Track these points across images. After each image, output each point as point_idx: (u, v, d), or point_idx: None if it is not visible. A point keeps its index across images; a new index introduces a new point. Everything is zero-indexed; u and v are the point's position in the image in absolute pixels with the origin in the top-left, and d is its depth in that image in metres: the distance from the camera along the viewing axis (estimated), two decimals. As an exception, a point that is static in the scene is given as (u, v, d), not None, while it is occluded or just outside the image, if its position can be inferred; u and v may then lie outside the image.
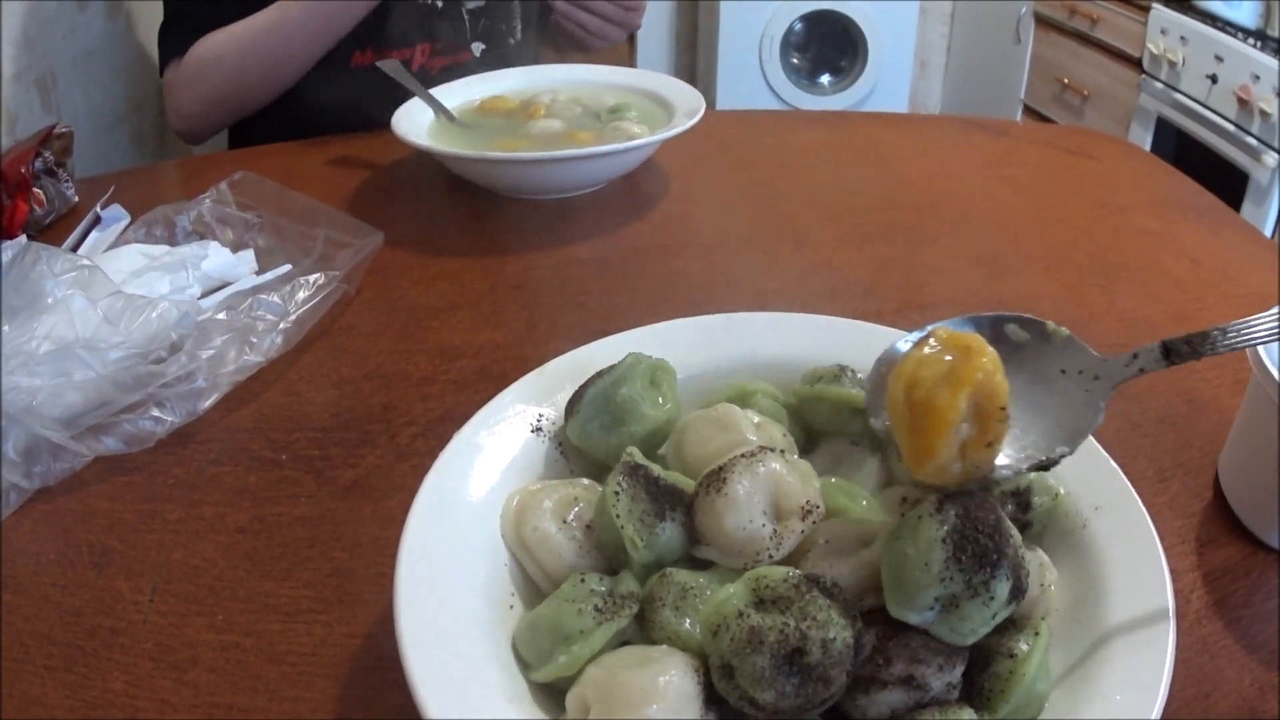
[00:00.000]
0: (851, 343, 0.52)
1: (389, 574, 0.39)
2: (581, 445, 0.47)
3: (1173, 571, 0.40)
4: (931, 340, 0.38)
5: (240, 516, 0.53)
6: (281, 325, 0.65)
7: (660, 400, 0.48)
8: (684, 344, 0.53)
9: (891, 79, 3.09)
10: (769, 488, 0.41)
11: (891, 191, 0.94)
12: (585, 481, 0.46)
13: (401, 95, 0.95)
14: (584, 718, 0.36)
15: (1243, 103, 2.03)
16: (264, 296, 0.65)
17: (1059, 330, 0.42)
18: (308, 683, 0.44)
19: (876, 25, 2.97)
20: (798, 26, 3.00)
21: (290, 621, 0.47)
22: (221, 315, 0.63)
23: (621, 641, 0.39)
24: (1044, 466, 0.39)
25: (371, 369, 0.66)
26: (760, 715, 0.35)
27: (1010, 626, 0.39)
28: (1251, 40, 2.04)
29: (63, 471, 0.55)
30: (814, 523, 0.41)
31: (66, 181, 0.89)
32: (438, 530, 0.41)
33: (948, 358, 0.37)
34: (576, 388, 0.48)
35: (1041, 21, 2.80)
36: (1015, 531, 0.38)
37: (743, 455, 0.42)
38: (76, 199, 0.90)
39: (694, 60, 3.22)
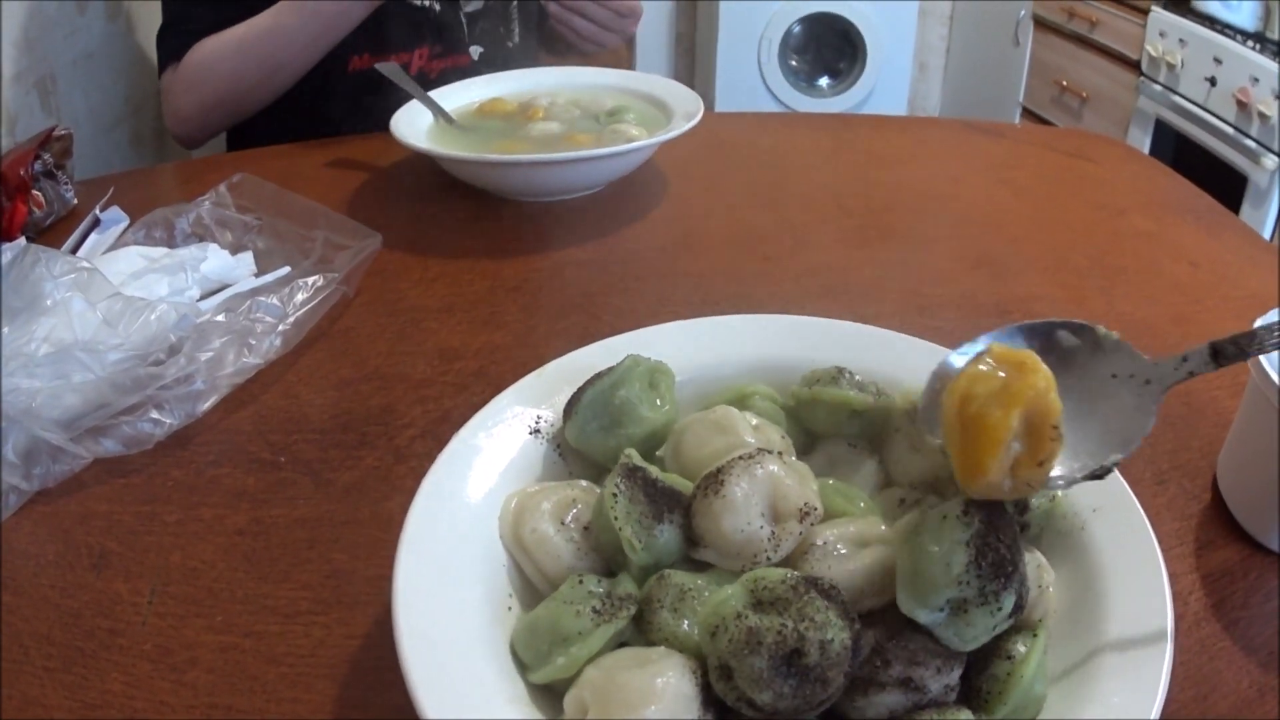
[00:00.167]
0: (850, 345, 0.53)
1: (388, 575, 0.39)
2: (580, 447, 0.48)
3: (1171, 574, 0.40)
4: (986, 356, 0.38)
5: (239, 518, 0.53)
6: (280, 327, 0.65)
7: (658, 402, 0.48)
8: (682, 346, 0.53)
9: (890, 81, 3.09)
10: (767, 490, 0.41)
11: (890, 194, 0.94)
12: (583, 483, 0.46)
13: (400, 98, 0.95)
14: (582, 719, 0.36)
15: (1242, 105, 2.03)
16: (263, 299, 0.65)
17: (1109, 335, 0.42)
18: (306, 684, 0.44)
19: (875, 27, 2.97)
20: (796, 29, 3.00)
21: (289, 623, 0.47)
22: (220, 317, 0.63)
23: (620, 643, 0.39)
24: (1097, 476, 0.39)
25: (370, 371, 0.66)
26: (758, 716, 0.35)
27: (1008, 628, 0.38)
28: (1250, 43, 2.05)
29: (62, 473, 0.55)
30: (812, 524, 0.41)
31: (66, 184, 0.89)
32: (436, 532, 0.42)
33: (1001, 374, 0.37)
34: (575, 390, 0.48)
35: (1040, 24, 2.80)
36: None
37: (741, 457, 0.42)
38: (76, 201, 0.90)
39: (693, 63, 3.22)
